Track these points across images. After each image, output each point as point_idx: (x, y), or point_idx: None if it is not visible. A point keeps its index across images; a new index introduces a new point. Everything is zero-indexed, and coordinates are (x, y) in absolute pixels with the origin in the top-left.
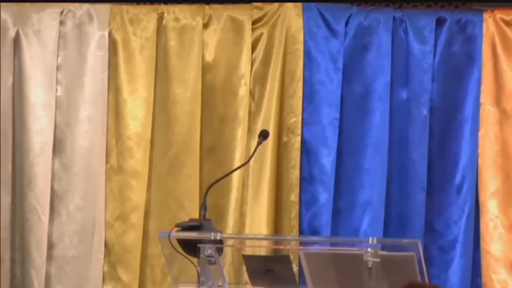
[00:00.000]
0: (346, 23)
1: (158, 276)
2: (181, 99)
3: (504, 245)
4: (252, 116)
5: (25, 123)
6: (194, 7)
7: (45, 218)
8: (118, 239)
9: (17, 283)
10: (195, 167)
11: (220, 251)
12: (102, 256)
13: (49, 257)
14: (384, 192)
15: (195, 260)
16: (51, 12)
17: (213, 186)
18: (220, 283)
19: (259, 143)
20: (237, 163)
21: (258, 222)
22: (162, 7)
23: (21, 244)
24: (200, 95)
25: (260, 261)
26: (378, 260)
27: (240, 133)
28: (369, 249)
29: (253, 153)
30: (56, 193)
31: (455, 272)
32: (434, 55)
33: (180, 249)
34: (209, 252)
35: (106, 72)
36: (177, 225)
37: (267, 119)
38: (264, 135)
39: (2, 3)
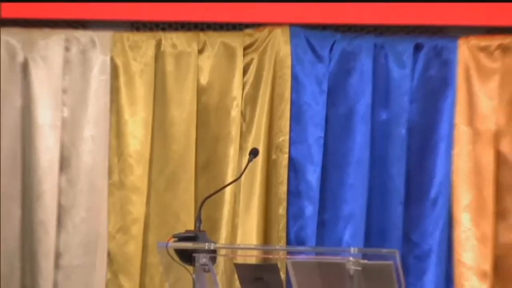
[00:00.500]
0: (331, 49)
1: (157, 283)
2: (177, 119)
3: (476, 255)
4: (243, 135)
5: (33, 143)
6: (189, 34)
7: (52, 230)
8: (120, 249)
9: (30, 275)
10: (190, 182)
11: (213, 260)
12: (105, 265)
13: (56, 266)
14: (365, 206)
15: (190, 268)
16: (57, 39)
17: (207, 200)
18: None
19: (249, 160)
20: (229, 179)
21: (249, 233)
22: (160, 34)
23: (30, 255)
24: (195, 116)
25: (250, 269)
26: (359, 268)
27: (232, 151)
28: (351, 258)
29: (244, 169)
30: (63, 207)
31: (430, 280)
32: (412, 79)
33: (177, 258)
34: (203, 261)
35: (108, 95)
36: (174, 236)
37: (257, 138)
38: (254, 153)
39: (11, 29)
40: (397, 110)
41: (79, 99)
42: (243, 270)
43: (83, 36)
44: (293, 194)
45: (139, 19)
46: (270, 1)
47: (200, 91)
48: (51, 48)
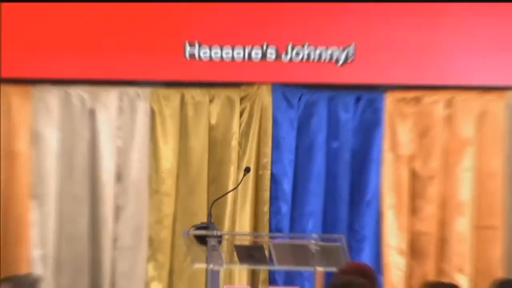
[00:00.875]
0: (299, 100)
1: (181, 259)
2: (195, 148)
3: (397, 239)
4: (240, 158)
5: (98, 163)
6: (204, 90)
7: (110, 222)
8: (157, 236)
9: (94, 264)
10: (204, 190)
11: (220, 242)
12: (147, 246)
13: (114, 247)
14: (322, 206)
15: (204, 248)
16: (114, 93)
17: (215, 202)
18: (219, 262)
19: (244, 175)
20: (230, 188)
21: (244, 225)
22: (183, 90)
23: (96, 239)
24: (207, 145)
25: (244, 249)
26: (318, 248)
27: (232, 169)
28: (312, 241)
29: (240, 181)
30: (118, 206)
31: (366, 256)
32: (354, 120)
33: (195, 241)
34: (213, 243)
35: (148, 130)
36: (193, 226)
37: (249, 160)
38: (247, 170)
39: (82, 86)
40: (343, 141)
41: (129, 134)
42: (240, 250)
43: (131, 91)
44: (274, 198)
45: (169, 80)
46: (263, 58)
47: (210, 128)
48: (110, 99)
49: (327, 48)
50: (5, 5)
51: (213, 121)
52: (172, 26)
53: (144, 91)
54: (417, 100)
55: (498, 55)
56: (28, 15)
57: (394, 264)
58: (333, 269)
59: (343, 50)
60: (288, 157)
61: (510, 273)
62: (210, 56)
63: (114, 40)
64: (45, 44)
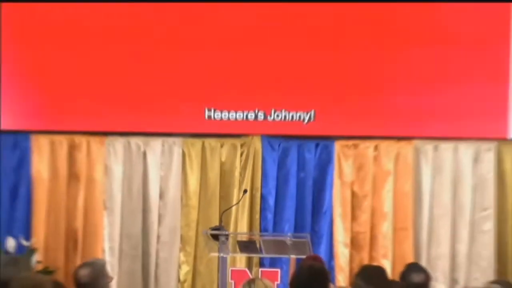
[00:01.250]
0: (279, 146)
1: (202, 250)
2: (211, 177)
3: (343, 237)
4: (240, 183)
5: (147, 187)
6: (217, 139)
7: (156, 226)
8: (186, 234)
9: (144, 253)
10: (217, 205)
11: (227, 239)
12: (179, 241)
13: (158, 242)
14: (294, 215)
15: (217, 242)
16: (158, 141)
17: (224, 212)
18: (227, 252)
19: (243, 195)
20: (234, 203)
21: (243, 227)
22: (203, 139)
23: (146, 237)
24: (219, 175)
25: (244, 243)
26: (292, 243)
27: (235, 190)
28: (288, 238)
29: (240, 199)
30: (160, 215)
31: (323, 249)
32: (314, 159)
33: (211, 238)
34: (223, 239)
35: (181, 165)
36: (210, 228)
37: (246, 185)
38: (245, 191)
39: (138, 136)
40: (308, 173)
41: (168, 167)
42: (240, 243)
43: (170, 140)
44: (262, 209)
45: (194, 132)
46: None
47: (221, 164)
48: (156, 145)
49: (296, 112)
50: (82, 65)
51: (223, 159)
52: (197, 98)
53: (178, 140)
54: (355, 146)
55: (407, 116)
56: (101, 84)
57: (341, 253)
58: (302, 256)
59: (307, 113)
60: (272, 183)
61: (417, 259)
62: (221, 117)
63: (159, 106)
64: (113, 108)
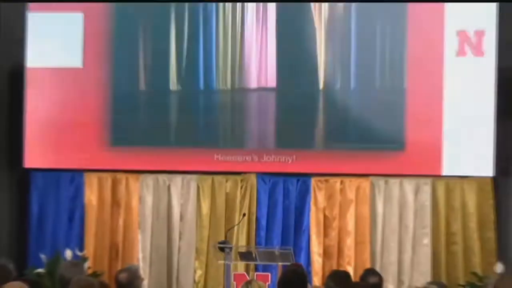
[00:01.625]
0: (269, 180)
1: (212, 258)
2: (219, 204)
3: (317, 249)
4: (240, 209)
5: (171, 211)
6: (223, 176)
7: (177, 241)
8: (200, 247)
9: (168, 261)
10: (223, 224)
11: (230, 250)
12: (195, 252)
13: (179, 253)
14: (281, 233)
15: (223, 253)
16: (179, 177)
17: (228, 230)
18: (230, 260)
19: (242, 217)
20: (236, 223)
21: (242, 241)
22: (213, 176)
23: (170, 249)
24: (225, 203)
25: (243, 254)
26: (279, 253)
27: (237, 214)
28: (276, 250)
29: (240, 220)
30: (181, 232)
31: (302, 259)
32: (296, 190)
33: (218, 250)
34: (227, 250)
35: (196, 196)
36: (218, 242)
37: (245, 210)
38: (244, 215)
39: (164, 174)
40: (291, 201)
41: (186, 197)
42: (240, 254)
43: (188, 176)
44: (257, 229)
45: (206, 170)
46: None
47: (226, 194)
48: (178, 180)
49: (282, 156)
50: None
51: (227, 191)
52: (208, 147)
53: (194, 177)
54: (326, 181)
55: (365, 158)
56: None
57: (316, 261)
58: (287, 263)
59: (290, 157)
60: (264, 208)
61: (373, 265)
62: (226, 160)
63: (180, 152)
64: (146, 153)
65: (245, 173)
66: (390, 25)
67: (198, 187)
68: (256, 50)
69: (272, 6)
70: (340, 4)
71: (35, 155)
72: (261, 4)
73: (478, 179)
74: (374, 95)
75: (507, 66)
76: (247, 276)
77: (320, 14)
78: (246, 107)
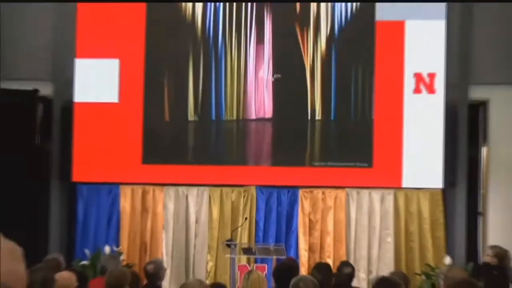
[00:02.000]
0: (266, 191)
1: (220, 253)
2: (226, 210)
3: (304, 245)
4: (243, 214)
5: (189, 217)
6: (229, 187)
7: (193, 240)
8: (211, 244)
9: (186, 257)
10: (229, 226)
11: (235, 246)
12: (207, 248)
13: (194, 249)
14: (275, 234)
15: (229, 249)
16: (195, 189)
17: (233, 231)
18: (235, 254)
19: (244, 221)
20: (239, 225)
21: (244, 240)
22: (221, 188)
23: (187, 247)
24: (231, 209)
25: (246, 249)
26: (273, 249)
27: (240, 218)
28: (271, 247)
29: (243, 223)
30: (196, 233)
31: (292, 253)
32: (287, 199)
33: (226, 246)
34: (232, 247)
35: (208, 204)
36: (226, 240)
37: (247, 215)
38: (246, 218)
39: (183, 186)
40: (283, 207)
41: (200, 205)
42: (243, 249)
43: (201, 188)
44: (257, 229)
45: (215, 183)
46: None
47: (232, 202)
48: (194, 191)
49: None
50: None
51: (233, 199)
52: (217, 165)
53: (206, 188)
54: (311, 192)
55: (341, 174)
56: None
57: (303, 255)
58: (280, 257)
59: (282, 172)
60: (261, 213)
61: (347, 259)
62: (231, 175)
63: (196, 169)
64: (169, 170)
65: (246, 185)
66: (361, 69)
67: (209, 197)
68: (256, 88)
69: (269, 50)
70: (323, 51)
71: (81, 171)
72: (262, 46)
73: (431, 190)
74: (349, 124)
75: (452, 101)
76: (248, 267)
77: (307, 58)
78: (248, 133)
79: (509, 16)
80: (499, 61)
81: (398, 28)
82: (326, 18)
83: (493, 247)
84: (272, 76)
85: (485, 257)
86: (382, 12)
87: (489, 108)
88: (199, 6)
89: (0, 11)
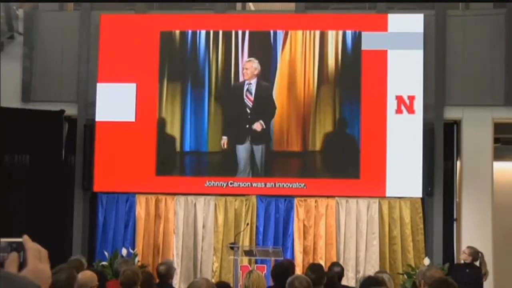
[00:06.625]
0: (265, 200)
1: (225, 254)
2: (230, 216)
3: (299, 248)
4: (244, 220)
5: (196, 223)
6: (233, 198)
7: (200, 243)
8: (217, 246)
9: (194, 257)
10: (232, 231)
11: (238, 249)
12: (213, 250)
13: (202, 251)
14: (273, 237)
15: (233, 251)
16: (202, 198)
17: (236, 235)
18: (238, 255)
19: (246, 226)
20: (241, 230)
21: (246, 243)
22: (225, 197)
23: (195, 249)
24: (234, 216)
25: (247, 251)
26: (272, 251)
27: (242, 223)
28: (270, 249)
29: (245, 228)
30: (203, 236)
31: (289, 255)
32: (284, 207)
33: (230, 249)
34: (235, 249)
35: (214, 212)
36: (229, 243)
37: (248, 220)
38: (247, 224)
39: (191, 195)
40: (280, 214)
41: (207, 213)
42: (245, 252)
43: (208, 197)
44: (257, 233)
45: (220, 193)
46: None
47: (235, 210)
48: (201, 200)
49: (274, 183)
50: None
51: (236, 207)
52: (223, 178)
53: (212, 197)
54: (305, 200)
55: (332, 185)
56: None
57: (298, 257)
58: (278, 259)
59: (279, 183)
60: (261, 219)
61: (337, 260)
62: (235, 186)
63: (204, 180)
64: (179, 182)
65: (248, 195)
66: (347, 95)
67: (215, 205)
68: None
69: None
70: (315, 76)
71: (102, 182)
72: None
73: (411, 199)
74: (339, 141)
75: (429, 121)
76: (249, 267)
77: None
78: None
79: (480, 46)
80: (471, 85)
81: (381, 56)
82: (317, 47)
83: (470, 247)
84: None
85: (462, 254)
86: (367, 42)
87: (462, 127)
88: (202, 34)
89: (36, 43)
